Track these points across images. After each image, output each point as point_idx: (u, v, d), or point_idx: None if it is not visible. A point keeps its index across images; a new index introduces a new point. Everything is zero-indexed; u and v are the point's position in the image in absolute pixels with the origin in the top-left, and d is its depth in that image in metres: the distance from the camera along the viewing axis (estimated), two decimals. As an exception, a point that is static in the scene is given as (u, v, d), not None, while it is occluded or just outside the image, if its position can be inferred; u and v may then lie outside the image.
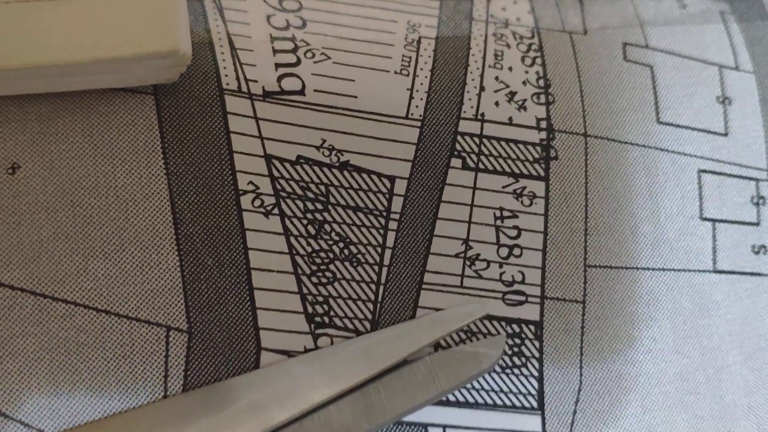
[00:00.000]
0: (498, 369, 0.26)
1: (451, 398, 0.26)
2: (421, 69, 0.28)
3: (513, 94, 0.28)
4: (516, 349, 0.27)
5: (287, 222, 0.26)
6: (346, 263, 0.26)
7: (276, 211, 0.26)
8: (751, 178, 0.30)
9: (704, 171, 0.29)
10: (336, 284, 0.26)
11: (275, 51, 0.27)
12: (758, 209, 0.30)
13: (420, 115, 0.27)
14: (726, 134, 0.30)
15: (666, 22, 0.31)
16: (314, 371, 0.23)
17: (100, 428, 0.22)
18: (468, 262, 0.27)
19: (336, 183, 0.26)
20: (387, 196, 0.27)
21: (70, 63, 0.23)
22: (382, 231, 0.26)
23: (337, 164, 0.26)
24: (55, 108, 0.24)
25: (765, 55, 0.32)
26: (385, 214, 0.26)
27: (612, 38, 0.30)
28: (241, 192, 0.25)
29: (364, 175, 0.27)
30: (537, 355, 0.27)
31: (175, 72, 0.25)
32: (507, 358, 0.27)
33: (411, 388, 0.24)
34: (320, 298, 0.25)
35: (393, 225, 0.27)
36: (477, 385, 0.26)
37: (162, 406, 0.23)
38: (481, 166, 0.27)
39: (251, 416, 0.22)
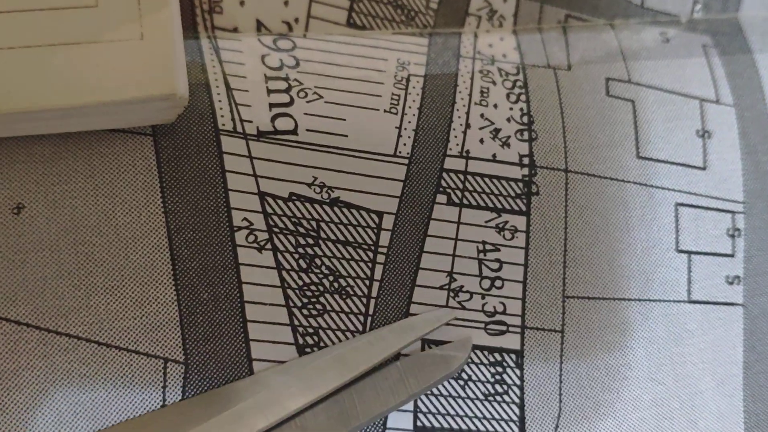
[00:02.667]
0: (481, 396, 0.28)
1: (436, 425, 0.27)
2: (410, 107, 0.29)
3: (497, 131, 0.29)
4: (498, 377, 0.28)
5: (279, 256, 0.27)
6: (336, 296, 0.27)
7: (269, 246, 0.27)
8: (727, 211, 0.31)
9: (681, 204, 0.31)
10: (326, 316, 0.27)
11: (269, 91, 0.28)
12: (733, 241, 0.31)
13: (407, 153, 0.29)
14: (704, 168, 0.31)
15: (649, 56, 0.32)
16: (291, 380, 0.25)
17: None
18: (452, 294, 0.28)
19: (326, 219, 0.27)
20: (375, 230, 0.28)
21: (72, 106, 0.24)
22: (370, 264, 0.28)
23: (327, 201, 0.28)
24: (59, 149, 0.26)
25: (746, 88, 0.33)
26: (373, 248, 0.28)
27: (595, 73, 0.31)
28: (235, 228, 0.27)
29: (354, 211, 0.28)
30: (518, 382, 0.28)
31: (173, 113, 0.26)
32: (489, 386, 0.28)
33: (383, 392, 0.25)
34: (310, 330, 0.27)
35: (381, 258, 0.28)
36: (461, 412, 0.27)
37: (145, 421, 0.24)
38: (465, 201, 0.29)
39: (234, 425, 0.24)
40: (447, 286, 0.28)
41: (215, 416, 0.24)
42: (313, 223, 0.27)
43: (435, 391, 0.27)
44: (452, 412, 0.28)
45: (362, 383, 0.25)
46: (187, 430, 0.24)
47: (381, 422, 0.27)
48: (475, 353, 0.28)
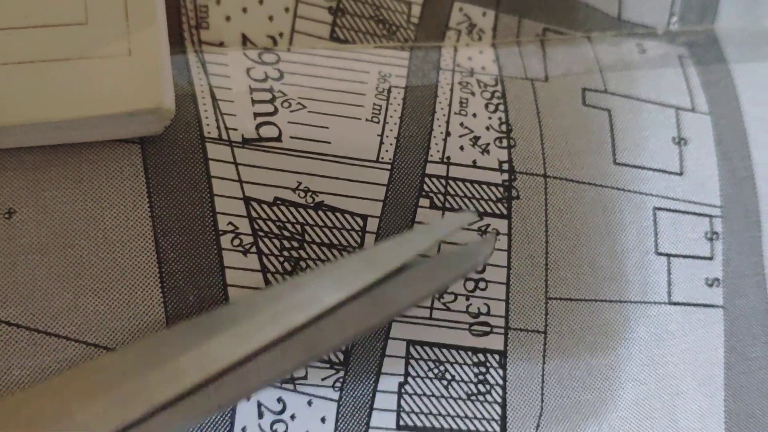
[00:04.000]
0: (464, 396, 0.28)
1: (419, 424, 0.28)
2: (391, 116, 0.30)
3: (477, 138, 0.30)
4: (481, 377, 0.28)
5: (264, 260, 0.28)
6: (320, 298, 0.28)
7: (254, 249, 0.27)
8: (705, 215, 0.32)
9: (659, 208, 0.31)
10: (310, 318, 0.27)
11: (254, 101, 0.29)
12: (712, 244, 0.32)
13: (390, 159, 0.29)
14: (681, 173, 0.32)
15: (625, 67, 0.33)
16: (325, 282, 0.25)
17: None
18: (437, 295, 0.29)
19: (311, 222, 0.28)
20: (360, 233, 0.29)
21: (61, 120, 0.24)
22: (354, 267, 0.28)
23: (312, 205, 0.28)
24: (49, 157, 0.26)
25: (721, 96, 0.34)
26: (358, 250, 0.28)
27: (572, 84, 0.32)
28: (221, 232, 0.27)
29: (338, 214, 0.28)
30: (501, 382, 0.29)
31: (159, 126, 0.27)
32: (472, 386, 0.28)
33: (413, 285, 0.26)
34: (295, 331, 0.27)
35: (364, 262, 0.28)
36: (444, 411, 0.28)
37: (192, 323, 0.25)
38: (447, 205, 0.29)
39: (273, 323, 0.24)
40: (430, 289, 0.29)
41: (255, 316, 0.25)
42: (298, 227, 0.28)
43: (418, 390, 0.28)
44: (435, 411, 0.28)
45: (393, 280, 0.26)
46: (228, 329, 0.24)
47: (364, 421, 0.27)
48: (459, 354, 0.28)
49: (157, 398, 0.23)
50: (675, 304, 0.31)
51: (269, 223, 0.28)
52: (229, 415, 0.26)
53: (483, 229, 0.29)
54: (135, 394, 0.23)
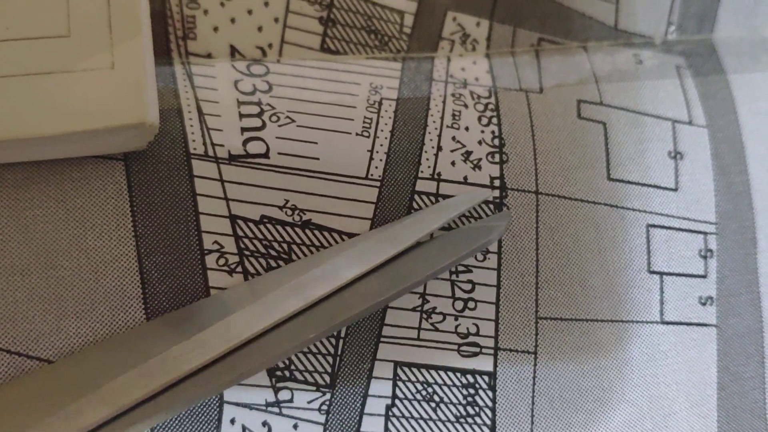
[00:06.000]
0: (452, 418, 0.28)
1: (406, 447, 0.27)
2: (382, 130, 0.29)
3: (469, 153, 0.30)
4: (470, 399, 0.28)
5: (250, 279, 0.27)
6: (307, 318, 0.27)
7: (239, 269, 0.27)
8: (699, 232, 0.31)
9: (653, 225, 0.31)
10: (297, 338, 0.27)
11: (241, 115, 0.28)
12: (706, 262, 0.31)
13: (379, 176, 0.29)
14: (676, 189, 0.31)
15: (621, 78, 0.33)
16: (345, 257, 0.27)
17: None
18: (425, 315, 0.28)
19: (298, 241, 0.28)
20: (347, 252, 0.28)
21: (42, 135, 0.24)
22: (342, 286, 0.28)
23: (299, 223, 0.28)
24: (30, 175, 0.26)
25: (719, 109, 0.33)
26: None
27: (567, 96, 0.32)
28: (206, 251, 0.27)
29: (325, 233, 0.28)
30: (490, 404, 0.28)
31: (143, 141, 0.26)
32: (461, 408, 0.28)
33: (429, 258, 0.27)
34: (281, 352, 0.27)
35: (353, 280, 0.28)
36: (432, 434, 0.28)
37: (214, 298, 0.26)
38: (437, 223, 0.29)
39: (296, 294, 0.26)
40: (420, 308, 0.28)
41: (278, 288, 0.26)
42: (285, 246, 0.28)
43: (405, 413, 0.28)
44: (424, 434, 0.28)
45: (410, 254, 0.27)
46: (251, 302, 0.25)
47: (352, 445, 0.27)
48: (448, 375, 0.28)
49: (182, 368, 0.24)
50: (667, 323, 0.30)
51: (255, 242, 0.27)
52: (213, 438, 0.26)
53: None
54: (162, 363, 0.24)
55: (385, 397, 0.28)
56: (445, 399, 0.28)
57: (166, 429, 0.26)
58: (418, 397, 0.28)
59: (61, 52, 0.24)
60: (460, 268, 0.29)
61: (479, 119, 0.30)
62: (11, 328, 0.25)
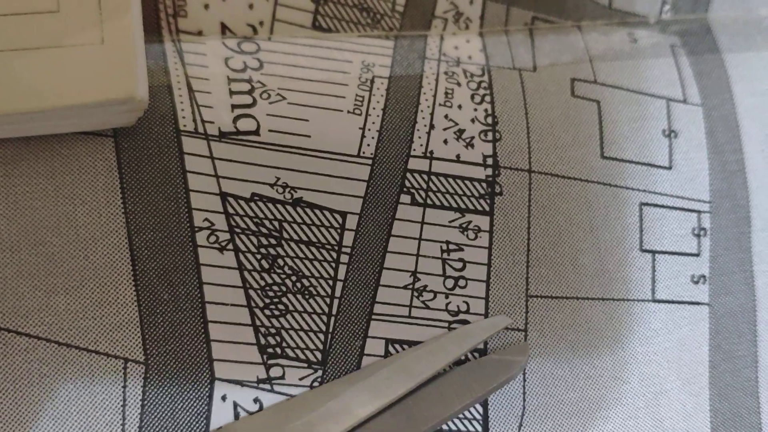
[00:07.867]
0: (443, 396, 0.28)
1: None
2: (374, 108, 0.29)
3: (461, 131, 0.30)
4: (461, 377, 0.28)
5: (241, 257, 0.27)
6: (299, 296, 0.27)
7: (230, 246, 0.27)
8: (693, 210, 0.31)
9: (646, 204, 0.31)
10: (288, 316, 0.27)
11: (232, 93, 0.28)
12: (699, 240, 0.31)
13: (371, 154, 0.29)
14: (670, 167, 0.31)
15: (616, 56, 0.33)
16: (359, 390, 0.26)
17: None
18: (416, 294, 0.28)
19: (289, 219, 0.28)
20: (339, 230, 0.28)
21: (31, 110, 0.24)
22: (333, 264, 0.28)
23: (290, 201, 0.28)
24: (20, 151, 0.26)
25: (713, 87, 0.33)
26: (336, 248, 0.28)
27: (561, 74, 0.32)
28: (196, 229, 0.27)
29: (317, 211, 0.28)
30: (481, 382, 0.28)
31: (132, 116, 0.26)
32: (452, 385, 0.28)
33: (448, 396, 0.26)
34: (273, 330, 0.27)
35: (344, 258, 0.28)
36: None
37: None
38: (429, 201, 0.29)
39: None
40: (411, 286, 0.28)
41: (288, 425, 0.25)
42: (276, 224, 0.27)
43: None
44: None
45: (427, 389, 0.26)
46: None
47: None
48: (439, 353, 0.28)
49: None
50: (659, 301, 0.30)
51: (246, 219, 0.27)
52: (204, 415, 0.26)
53: (464, 225, 0.29)
54: None
55: (376, 374, 0.27)
56: (436, 377, 0.28)
57: (159, 407, 0.26)
58: (409, 374, 0.28)
59: (51, 27, 0.24)
60: (452, 247, 0.29)
61: (472, 97, 0.30)
62: (0, 305, 0.25)
